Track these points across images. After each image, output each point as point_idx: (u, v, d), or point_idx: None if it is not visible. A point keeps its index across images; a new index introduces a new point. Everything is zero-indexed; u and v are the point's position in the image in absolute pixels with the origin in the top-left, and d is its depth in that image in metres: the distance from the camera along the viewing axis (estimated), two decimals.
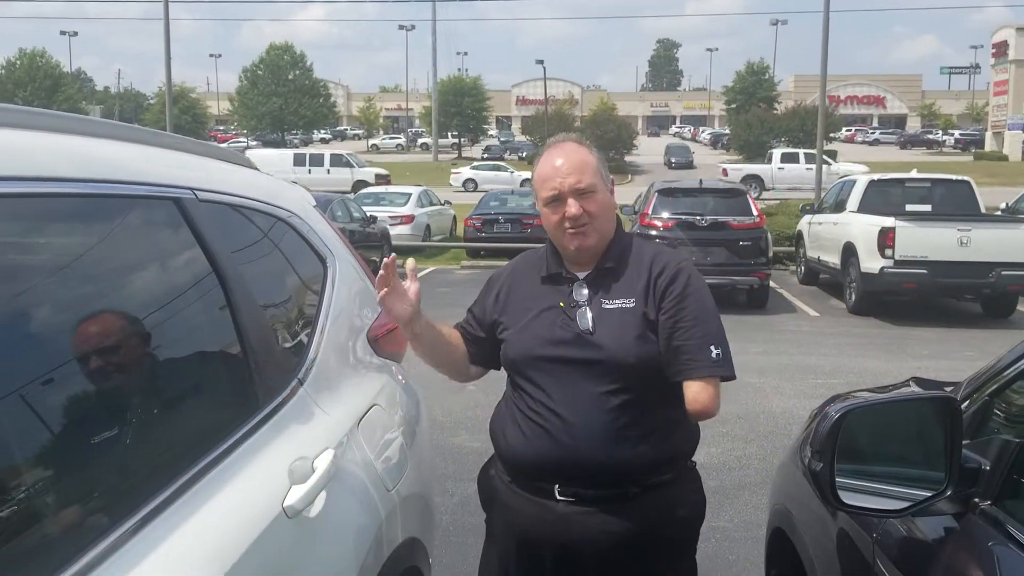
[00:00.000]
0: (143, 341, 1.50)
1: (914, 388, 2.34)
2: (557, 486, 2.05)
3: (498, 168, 46.44)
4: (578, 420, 2.01)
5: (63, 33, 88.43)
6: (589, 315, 2.07)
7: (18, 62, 63.72)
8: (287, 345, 2.01)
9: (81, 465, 1.27)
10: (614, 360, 2.01)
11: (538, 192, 2.15)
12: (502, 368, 2.24)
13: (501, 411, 2.23)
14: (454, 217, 23.01)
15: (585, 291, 2.12)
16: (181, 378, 1.60)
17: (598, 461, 2.00)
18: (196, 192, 1.73)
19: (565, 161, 2.10)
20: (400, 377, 2.59)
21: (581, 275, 2.15)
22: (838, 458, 1.58)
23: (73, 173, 1.39)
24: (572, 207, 2.07)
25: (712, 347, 2.03)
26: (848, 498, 1.56)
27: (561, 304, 2.12)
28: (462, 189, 40.63)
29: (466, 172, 45.50)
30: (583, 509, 2.04)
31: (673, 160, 54.46)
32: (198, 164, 1.91)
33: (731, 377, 2.04)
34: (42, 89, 59.67)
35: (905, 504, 1.58)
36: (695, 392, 2.01)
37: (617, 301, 2.08)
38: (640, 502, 2.04)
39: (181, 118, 55.09)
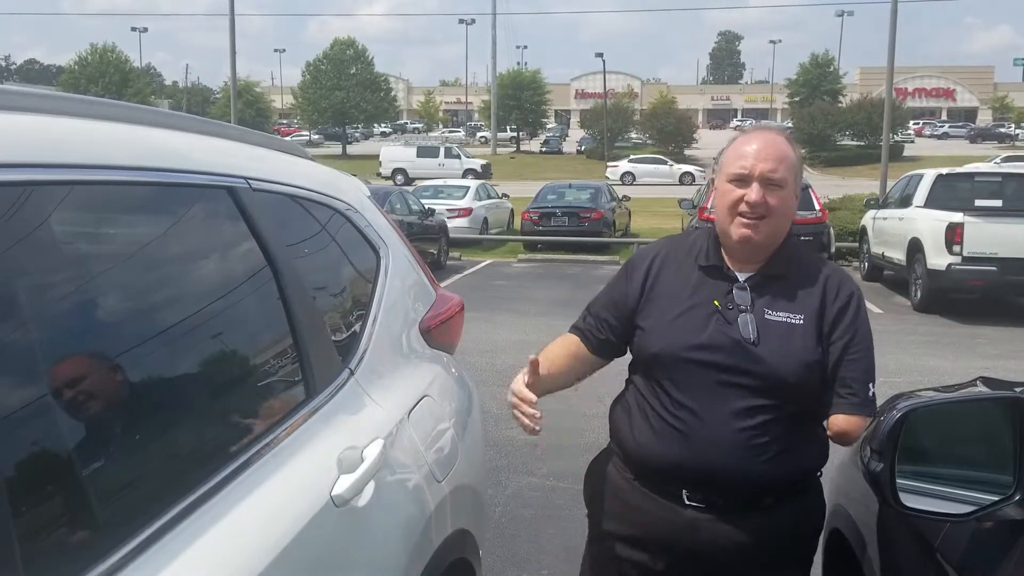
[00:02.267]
0: (195, 329, 1.51)
1: (981, 388, 2.25)
2: (685, 490, 1.96)
3: (657, 161, 47.02)
4: (718, 431, 1.90)
5: (134, 29, 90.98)
6: (752, 323, 1.93)
7: (89, 57, 65.49)
8: (339, 335, 2.02)
9: (133, 450, 1.29)
10: (774, 377, 1.89)
11: (725, 167, 2.00)
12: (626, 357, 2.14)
13: (627, 403, 2.10)
14: (512, 210, 23.00)
15: (747, 295, 1.97)
16: (231, 366, 1.61)
17: (731, 474, 1.91)
18: (250, 181, 1.74)
19: (766, 146, 1.97)
20: (453, 369, 2.58)
21: (743, 276, 2.00)
22: (899, 459, 1.52)
23: (123, 161, 1.41)
24: (754, 192, 1.92)
25: (871, 385, 1.94)
26: (909, 500, 1.51)
27: (716, 303, 1.97)
28: (619, 182, 41.46)
29: (624, 165, 46.03)
30: (713, 516, 1.95)
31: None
32: (252, 154, 1.92)
33: (870, 415, 1.96)
34: (112, 84, 61.14)
35: (970, 508, 1.51)
36: (844, 423, 1.93)
37: (783, 314, 1.95)
38: (773, 513, 1.96)
39: (245, 112, 56.10)
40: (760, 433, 1.90)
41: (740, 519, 1.94)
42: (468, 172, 40.96)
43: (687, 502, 1.96)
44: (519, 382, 2.00)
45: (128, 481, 1.26)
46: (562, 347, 2.17)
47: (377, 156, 46.38)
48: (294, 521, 1.46)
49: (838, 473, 2.73)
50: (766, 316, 1.94)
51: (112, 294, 1.36)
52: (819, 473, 2.08)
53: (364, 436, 1.78)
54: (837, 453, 2.32)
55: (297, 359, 1.73)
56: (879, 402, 2.01)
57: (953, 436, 1.61)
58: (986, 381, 2.45)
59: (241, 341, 1.66)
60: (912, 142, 59.56)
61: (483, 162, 44.82)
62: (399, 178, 40.34)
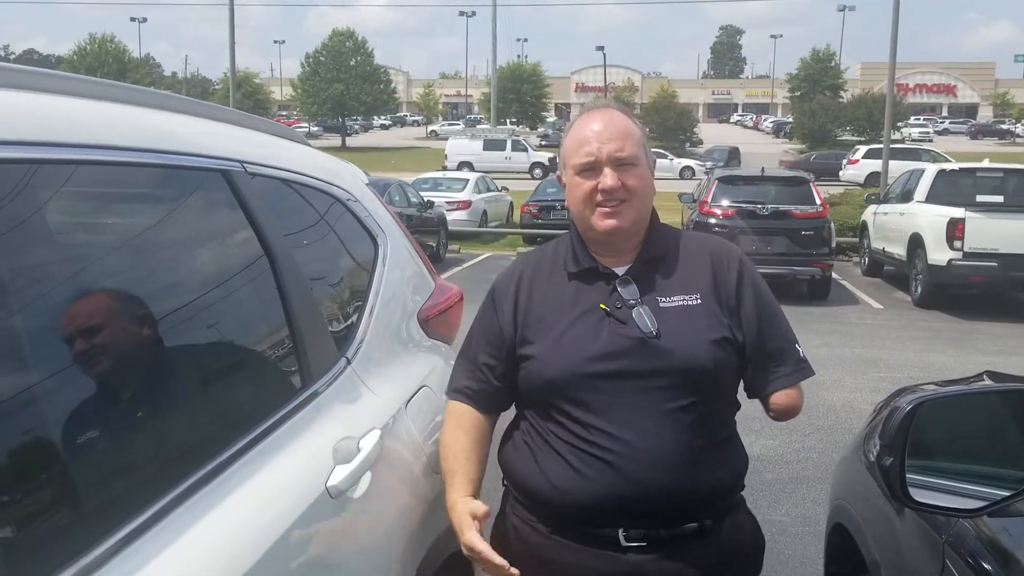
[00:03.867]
0: (187, 316, 1.47)
1: (988, 382, 2.22)
2: (621, 530, 1.71)
3: (657, 155, 46.89)
4: (649, 445, 1.68)
5: (133, 20, 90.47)
6: (648, 315, 1.74)
7: (88, 47, 65.32)
8: (336, 324, 1.98)
9: (122, 439, 1.25)
10: (687, 368, 1.71)
11: (568, 159, 1.82)
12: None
13: (526, 443, 1.82)
14: (511, 203, 22.95)
15: (632, 287, 1.79)
16: (224, 354, 1.57)
17: (676, 491, 1.69)
18: (246, 165, 1.70)
19: (606, 126, 1.79)
20: (452, 360, 2.54)
21: (620, 269, 1.82)
22: (908, 453, 1.48)
23: (112, 141, 1.36)
24: (609, 178, 1.75)
25: (797, 346, 1.83)
26: (919, 495, 1.47)
27: (603, 306, 1.78)
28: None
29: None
30: (656, 556, 1.71)
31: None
32: (248, 137, 1.88)
33: (811, 374, 1.84)
34: (110, 74, 60.93)
35: (981, 504, 1.48)
36: (787, 396, 1.81)
37: (677, 298, 1.78)
38: (715, 535, 1.76)
39: (244, 103, 55.90)
40: (692, 437, 1.70)
41: (684, 551, 1.72)
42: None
43: (625, 544, 1.71)
44: (474, 537, 1.74)
45: (117, 470, 1.22)
46: (463, 436, 1.87)
47: (377, 148, 46.10)
48: (288, 512, 1.43)
49: (840, 468, 2.70)
50: (661, 305, 1.77)
51: (101, 279, 1.32)
52: (743, 485, 1.87)
53: (361, 426, 1.74)
54: (836, 448, 2.29)
55: (292, 347, 1.70)
56: (879, 397, 1.95)
57: (962, 430, 1.57)
58: (992, 376, 2.43)
59: (234, 328, 1.62)
60: (931, 140, 58.56)
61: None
62: (464, 171, 40.03)
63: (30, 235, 1.18)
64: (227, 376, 1.57)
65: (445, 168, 36.50)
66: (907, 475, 1.46)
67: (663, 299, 1.78)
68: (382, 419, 1.86)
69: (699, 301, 1.78)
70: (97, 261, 1.33)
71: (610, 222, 1.77)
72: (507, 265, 1.98)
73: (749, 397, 1.88)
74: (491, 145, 43.46)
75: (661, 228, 1.89)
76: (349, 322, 2.03)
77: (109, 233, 1.42)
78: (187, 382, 1.44)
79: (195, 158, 1.57)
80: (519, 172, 35.82)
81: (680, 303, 1.77)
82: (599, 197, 1.77)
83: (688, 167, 44.85)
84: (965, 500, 1.50)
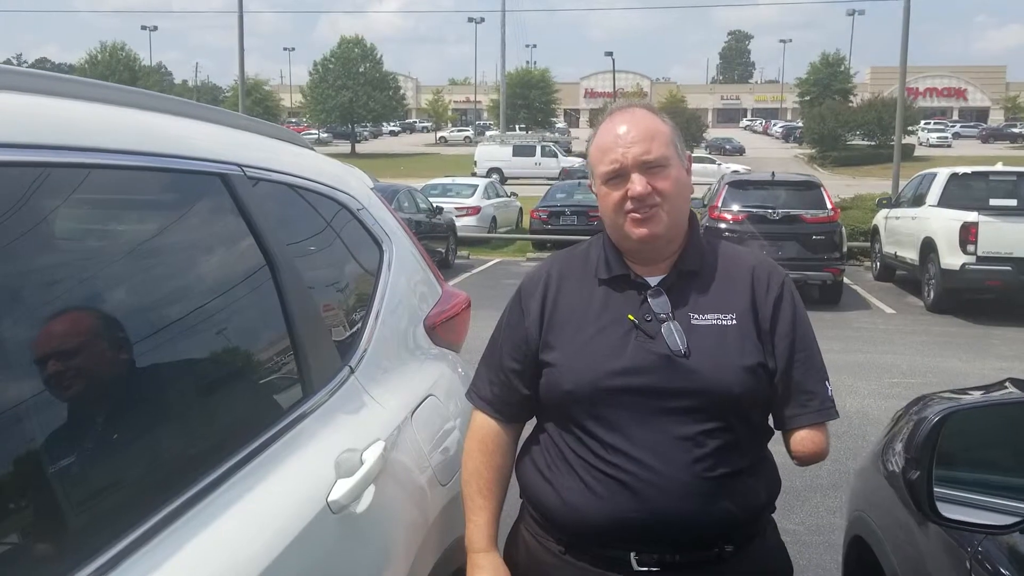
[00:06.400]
0: (183, 324, 1.42)
1: (1012, 390, 2.15)
2: (633, 554, 1.64)
3: None
4: (666, 469, 1.59)
5: (144, 28, 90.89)
6: (678, 332, 1.64)
7: (100, 56, 65.68)
8: (339, 331, 1.93)
9: (116, 452, 1.20)
10: (715, 391, 1.60)
11: (595, 167, 1.72)
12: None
13: (542, 456, 1.75)
14: (520, 209, 22.91)
15: (665, 300, 1.67)
16: (222, 363, 1.51)
17: (692, 519, 1.60)
18: (245, 169, 1.65)
19: (631, 128, 1.67)
20: (459, 368, 2.49)
21: (654, 280, 1.71)
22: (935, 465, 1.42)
23: (105, 143, 1.31)
24: (637, 184, 1.64)
25: (827, 383, 1.70)
26: (946, 510, 1.40)
27: (631, 317, 1.67)
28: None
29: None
30: None
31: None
32: (247, 141, 1.83)
33: (835, 416, 1.71)
34: (122, 82, 60.85)
35: (1013, 519, 1.41)
36: (812, 437, 1.68)
37: (711, 316, 1.66)
38: (736, 561, 1.66)
39: (254, 110, 56.12)
40: (713, 465, 1.60)
41: None
42: (565, 171, 38.59)
43: (637, 568, 1.63)
44: None
45: (110, 484, 1.17)
46: (486, 465, 1.79)
47: (386, 154, 45.86)
48: (287, 529, 1.37)
49: (858, 478, 2.63)
50: (692, 322, 1.65)
51: (94, 287, 1.27)
52: (773, 508, 1.79)
53: (364, 437, 1.69)
54: (850, 455, 2.22)
55: (293, 356, 1.64)
56: (893, 403, 1.86)
57: (992, 441, 1.50)
58: (1016, 383, 2.36)
59: (233, 336, 1.56)
60: (950, 146, 58.16)
61: (581, 161, 43.96)
62: (494, 177, 39.78)
63: (17, 240, 1.13)
64: (223, 387, 1.51)
65: (475, 174, 36.42)
66: (933, 488, 1.39)
67: (696, 316, 1.67)
68: (386, 430, 1.80)
69: (734, 322, 1.67)
70: (89, 269, 1.27)
71: (643, 230, 1.66)
72: (532, 267, 1.90)
73: (774, 428, 1.78)
74: (520, 151, 43.26)
75: (700, 238, 1.77)
76: (353, 330, 1.97)
77: (101, 239, 1.36)
78: (179, 393, 1.39)
79: (192, 161, 1.51)
80: (549, 178, 35.30)
81: (714, 322, 1.66)
82: (629, 205, 1.66)
83: (735, 172, 44.72)
84: (996, 515, 1.43)
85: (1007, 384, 2.34)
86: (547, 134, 53.47)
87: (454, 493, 2.02)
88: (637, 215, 1.66)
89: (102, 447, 1.18)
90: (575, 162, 41.74)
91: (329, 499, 1.49)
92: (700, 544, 1.64)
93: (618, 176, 1.67)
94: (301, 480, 1.47)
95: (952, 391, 2.55)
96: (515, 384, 1.78)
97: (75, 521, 1.09)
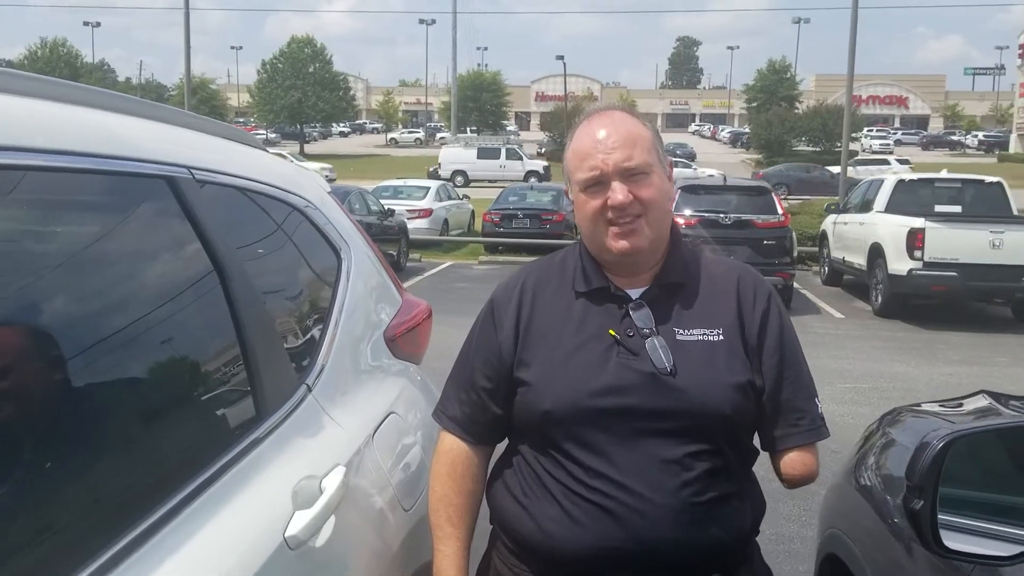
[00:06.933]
0: (123, 342, 1.27)
1: (991, 403, 2.10)
2: None
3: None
4: (654, 495, 1.49)
5: (86, 24, 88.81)
6: (664, 348, 1.54)
7: (39, 52, 64.04)
8: (295, 347, 1.79)
9: (39, 493, 1.05)
10: (703, 411, 1.51)
11: (572, 174, 1.61)
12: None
13: (517, 481, 1.63)
14: (472, 212, 22.81)
15: (647, 314, 1.58)
16: (167, 385, 1.36)
17: (680, 548, 1.50)
18: (193, 171, 1.52)
19: (611, 132, 1.57)
20: (419, 378, 2.36)
21: (634, 292, 1.61)
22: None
23: (38, 143, 1.17)
24: (619, 192, 1.53)
25: (816, 400, 1.63)
26: (950, 539, 1.32)
27: (613, 333, 1.57)
28: None
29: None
30: None
31: None
32: (197, 142, 1.69)
33: (826, 435, 1.63)
34: (62, 79, 59.80)
35: (1018, 549, 1.33)
36: (803, 459, 1.60)
37: (697, 331, 1.57)
38: None
39: (200, 109, 55.17)
40: (703, 488, 1.51)
41: None
42: (530, 175, 39.20)
43: None
44: None
45: (36, 529, 1.02)
46: (455, 492, 1.67)
47: (335, 155, 45.29)
48: (240, 570, 1.24)
49: (831, 495, 2.57)
50: (678, 337, 1.56)
51: (20, 301, 1.13)
52: (758, 531, 1.69)
53: (324, 463, 1.56)
54: (830, 472, 2.16)
55: (246, 375, 1.50)
56: (846, 408, 1.76)
57: (994, 465, 1.44)
58: (991, 395, 2.31)
59: (179, 355, 1.41)
60: (892, 153, 59.74)
61: (544, 163, 43.36)
62: (459, 179, 39.02)
63: None
64: (169, 412, 1.35)
65: (438, 176, 36.12)
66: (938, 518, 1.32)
67: (681, 331, 1.57)
68: (347, 454, 1.67)
69: (721, 337, 1.57)
70: (15, 281, 1.13)
71: (624, 243, 1.56)
72: (505, 277, 1.77)
73: (761, 448, 1.69)
74: (485, 153, 43.07)
75: (682, 249, 1.67)
76: (310, 345, 1.84)
77: (30, 249, 1.21)
78: (120, 419, 1.24)
79: (136, 163, 1.37)
80: (514, 180, 35.21)
81: (700, 337, 1.56)
82: (610, 214, 1.55)
83: (711, 176, 44.95)
84: (999, 544, 1.36)
85: (983, 396, 2.30)
86: (512, 136, 53.41)
87: (419, 516, 1.89)
88: (618, 227, 1.56)
89: (26, 484, 1.03)
90: (539, 165, 41.85)
91: (287, 534, 1.35)
92: (687, 573, 1.54)
93: (598, 184, 1.57)
94: (255, 514, 1.34)
95: (925, 403, 2.50)
96: (487, 403, 1.66)
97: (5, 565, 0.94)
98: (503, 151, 43.52)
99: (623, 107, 1.68)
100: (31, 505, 1.02)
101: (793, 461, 1.61)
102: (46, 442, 1.07)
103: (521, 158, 43.59)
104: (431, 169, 40.79)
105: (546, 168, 42.01)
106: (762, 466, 1.68)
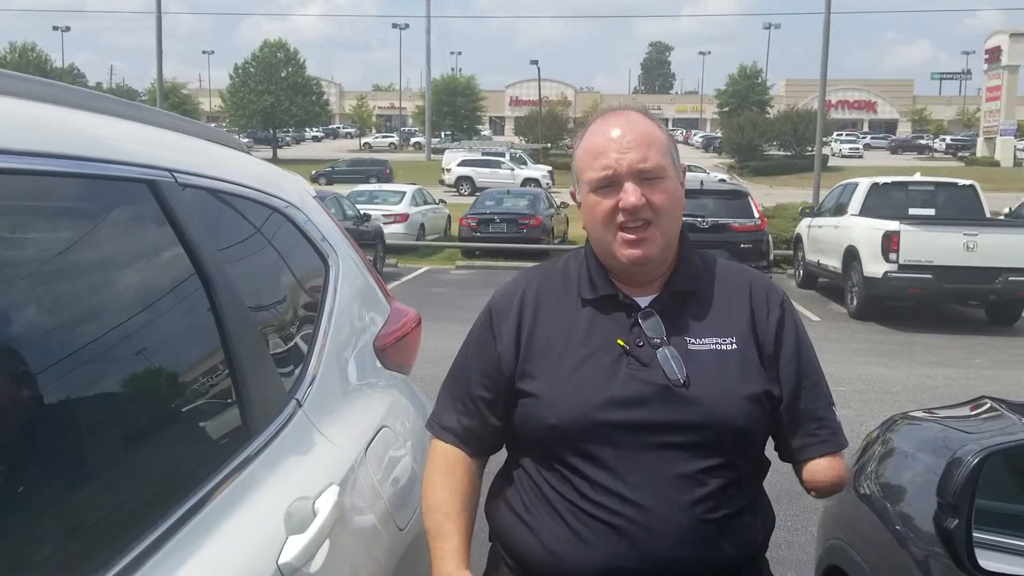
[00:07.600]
0: (102, 357, 1.18)
1: (1001, 411, 2.05)
2: None
3: None
4: (665, 512, 1.43)
5: (55, 28, 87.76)
6: (676, 359, 1.47)
7: (8, 56, 63.13)
8: (283, 359, 1.70)
9: (19, 517, 0.96)
10: (717, 424, 1.45)
11: (581, 174, 1.54)
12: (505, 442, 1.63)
13: (519, 496, 1.56)
14: (448, 216, 22.72)
15: (658, 323, 1.51)
16: (149, 403, 1.27)
17: (692, 566, 1.44)
18: (176, 175, 1.43)
19: (626, 132, 1.51)
20: (408, 393, 2.28)
21: (643, 300, 1.55)
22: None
23: (10, 144, 1.08)
24: (631, 194, 1.47)
25: (834, 408, 1.58)
26: (984, 559, 1.26)
27: (621, 342, 1.50)
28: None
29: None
30: None
31: None
32: (180, 144, 1.60)
33: (845, 444, 1.59)
34: None
35: None
36: (830, 467, 1.55)
37: (709, 340, 1.50)
38: None
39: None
40: (716, 504, 1.45)
41: None
42: (529, 181, 38.53)
43: None
44: None
45: (12, 563, 0.93)
46: (451, 495, 1.58)
47: (309, 160, 44.90)
48: None
49: (831, 504, 2.51)
50: (690, 347, 1.50)
51: None
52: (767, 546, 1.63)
53: (316, 484, 1.47)
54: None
55: (234, 391, 1.41)
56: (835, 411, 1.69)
57: (1007, 474, 1.38)
58: (994, 400, 2.27)
59: (162, 369, 1.32)
60: (861, 157, 61.04)
61: (547, 169, 43.05)
62: (464, 187, 38.76)
63: None
64: (152, 431, 1.26)
65: (443, 182, 35.67)
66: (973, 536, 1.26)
67: (693, 340, 1.50)
68: (340, 472, 1.59)
69: (734, 346, 1.51)
70: None
71: (634, 252, 1.50)
72: (503, 284, 1.69)
73: (781, 459, 1.64)
74: (488, 160, 43.01)
75: (692, 254, 1.61)
76: (299, 356, 1.75)
77: (0, 256, 1.12)
78: (96, 442, 1.14)
79: (115, 166, 1.29)
80: (516, 186, 34.95)
81: (713, 347, 1.50)
82: (621, 218, 1.49)
83: (722, 180, 45.06)
84: None
85: (985, 401, 2.25)
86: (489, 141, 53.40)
87: (414, 535, 1.81)
88: (629, 235, 1.49)
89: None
90: (543, 171, 41.65)
91: (280, 561, 1.26)
92: None
93: (610, 184, 1.50)
94: (247, 541, 1.25)
95: (922, 410, 2.46)
96: (485, 414, 1.59)
97: None
98: (507, 157, 43.67)
99: (639, 108, 1.62)
100: (18, 526, 0.94)
101: (822, 469, 1.56)
102: (16, 466, 0.98)
103: (526, 163, 43.75)
104: (443, 177, 40.35)
105: (549, 173, 41.90)
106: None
